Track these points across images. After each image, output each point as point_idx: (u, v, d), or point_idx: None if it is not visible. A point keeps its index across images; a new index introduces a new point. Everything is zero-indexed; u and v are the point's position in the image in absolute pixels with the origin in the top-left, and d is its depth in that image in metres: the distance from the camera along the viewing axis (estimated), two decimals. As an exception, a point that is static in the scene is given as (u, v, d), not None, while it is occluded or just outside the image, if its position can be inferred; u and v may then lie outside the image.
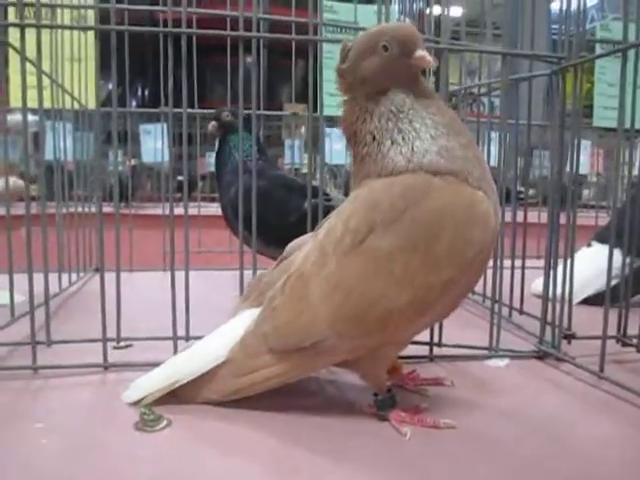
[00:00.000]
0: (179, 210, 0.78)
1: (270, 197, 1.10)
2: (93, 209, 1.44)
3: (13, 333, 0.82)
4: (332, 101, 0.84)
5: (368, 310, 0.56)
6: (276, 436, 0.56)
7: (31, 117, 1.37)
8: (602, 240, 1.18)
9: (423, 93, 0.60)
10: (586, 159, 2.69)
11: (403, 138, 0.58)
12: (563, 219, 0.84)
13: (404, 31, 0.59)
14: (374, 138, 0.59)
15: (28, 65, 0.73)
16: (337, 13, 1.17)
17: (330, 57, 1.09)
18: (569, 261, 0.81)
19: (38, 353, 0.72)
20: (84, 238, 1.42)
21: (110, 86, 0.73)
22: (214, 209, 1.29)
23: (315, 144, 1.03)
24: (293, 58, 1.57)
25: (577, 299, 1.07)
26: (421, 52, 0.58)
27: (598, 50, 1.30)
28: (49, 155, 1.29)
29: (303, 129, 2.52)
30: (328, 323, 0.57)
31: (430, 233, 0.55)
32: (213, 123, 1.27)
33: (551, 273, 0.82)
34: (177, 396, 0.62)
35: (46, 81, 1.07)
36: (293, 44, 1.54)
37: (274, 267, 0.67)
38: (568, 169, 0.82)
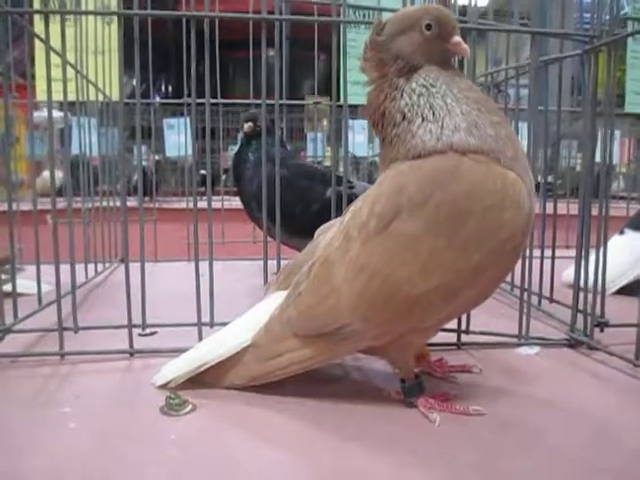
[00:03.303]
0: (203, 204, 0.78)
1: (292, 186, 1.09)
2: (118, 203, 1.45)
3: (41, 321, 0.82)
4: (355, 90, 0.83)
5: (393, 294, 0.54)
6: (302, 421, 0.56)
7: (57, 113, 1.39)
8: (636, 227, 1.15)
9: (454, 72, 0.60)
10: (615, 149, 2.62)
11: (434, 114, 0.56)
12: (594, 211, 0.81)
13: (446, 14, 0.60)
14: (404, 117, 0.58)
15: (53, 58, 0.74)
16: (360, -1, 1.16)
17: (353, 45, 1.08)
18: (601, 248, 0.78)
19: (65, 340, 0.73)
20: (110, 231, 1.44)
21: (134, 82, 0.73)
22: (237, 202, 1.29)
23: (338, 134, 1.02)
24: (316, 49, 1.56)
25: (613, 289, 1.04)
26: (459, 38, 0.59)
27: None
28: (75, 151, 1.31)
29: (325, 122, 2.52)
30: (351, 307, 0.56)
31: (457, 217, 0.53)
32: (250, 124, 1.27)
33: (583, 260, 0.80)
34: (203, 381, 0.62)
35: (71, 73, 1.07)
36: (315, 35, 1.54)
37: None
38: (598, 158, 0.80)
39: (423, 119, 0.57)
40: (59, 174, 2.62)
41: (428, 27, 0.58)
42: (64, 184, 0.84)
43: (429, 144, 0.56)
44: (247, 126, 1.26)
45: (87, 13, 1.10)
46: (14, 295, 0.80)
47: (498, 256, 0.54)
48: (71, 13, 0.96)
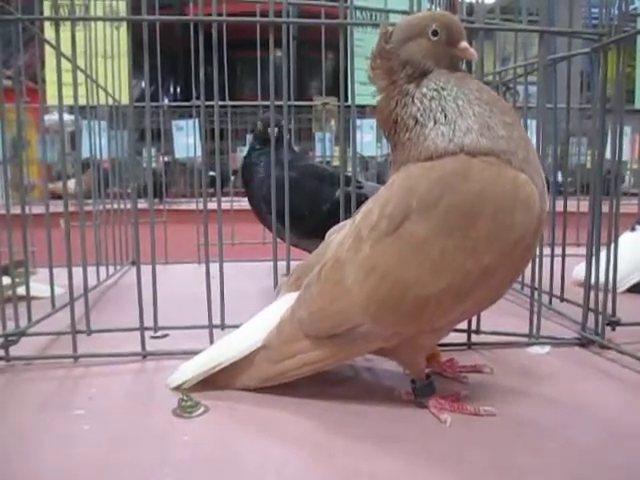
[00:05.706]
0: (212, 205, 0.78)
1: (300, 188, 1.09)
2: (128, 206, 1.46)
3: (54, 323, 0.83)
4: (363, 90, 0.83)
5: (403, 295, 0.54)
6: (313, 422, 0.56)
7: (67, 116, 1.40)
8: (648, 224, 1.14)
9: (463, 75, 0.60)
10: (626, 146, 2.59)
11: (446, 116, 0.57)
12: (604, 208, 0.81)
13: (453, 20, 0.60)
14: (416, 121, 0.58)
15: (63, 62, 0.74)
16: (367, 0, 1.15)
17: (361, 45, 1.07)
18: (612, 246, 0.78)
19: (78, 342, 0.74)
20: (120, 234, 1.45)
21: (143, 85, 0.74)
22: (246, 204, 1.30)
23: (347, 134, 1.02)
24: (323, 49, 1.55)
25: (624, 287, 1.04)
26: (466, 43, 0.59)
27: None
28: (85, 154, 1.32)
29: (333, 122, 2.51)
30: (362, 308, 0.56)
31: (468, 218, 0.53)
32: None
33: (593, 258, 0.79)
34: (215, 383, 0.63)
35: (81, 78, 1.08)
36: (323, 35, 1.54)
37: None
38: (608, 155, 0.79)
39: (435, 122, 0.57)
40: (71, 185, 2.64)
41: (435, 33, 0.58)
42: (75, 187, 0.84)
43: (441, 146, 0.56)
44: (261, 126, 1.24)
45: (97, 19, 1.11)
46: (28, 298, 0.81)
47: (508, 257, 0.54)
48: (81, 19, 0.96)
